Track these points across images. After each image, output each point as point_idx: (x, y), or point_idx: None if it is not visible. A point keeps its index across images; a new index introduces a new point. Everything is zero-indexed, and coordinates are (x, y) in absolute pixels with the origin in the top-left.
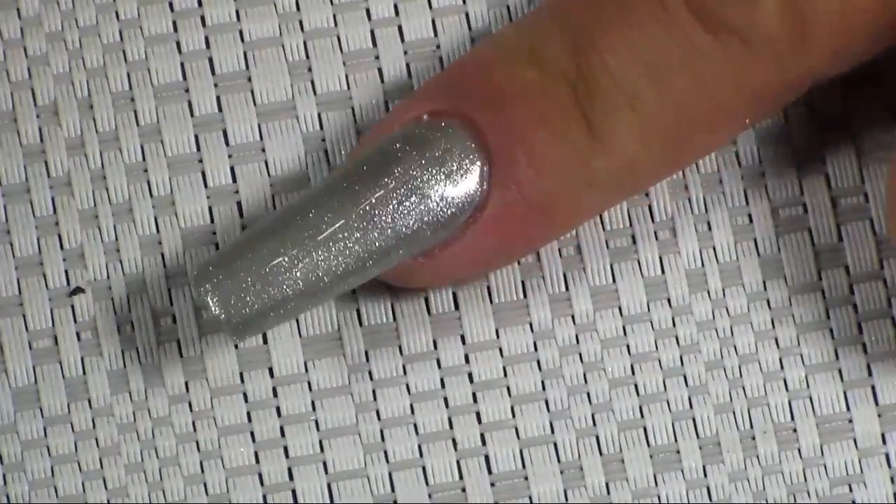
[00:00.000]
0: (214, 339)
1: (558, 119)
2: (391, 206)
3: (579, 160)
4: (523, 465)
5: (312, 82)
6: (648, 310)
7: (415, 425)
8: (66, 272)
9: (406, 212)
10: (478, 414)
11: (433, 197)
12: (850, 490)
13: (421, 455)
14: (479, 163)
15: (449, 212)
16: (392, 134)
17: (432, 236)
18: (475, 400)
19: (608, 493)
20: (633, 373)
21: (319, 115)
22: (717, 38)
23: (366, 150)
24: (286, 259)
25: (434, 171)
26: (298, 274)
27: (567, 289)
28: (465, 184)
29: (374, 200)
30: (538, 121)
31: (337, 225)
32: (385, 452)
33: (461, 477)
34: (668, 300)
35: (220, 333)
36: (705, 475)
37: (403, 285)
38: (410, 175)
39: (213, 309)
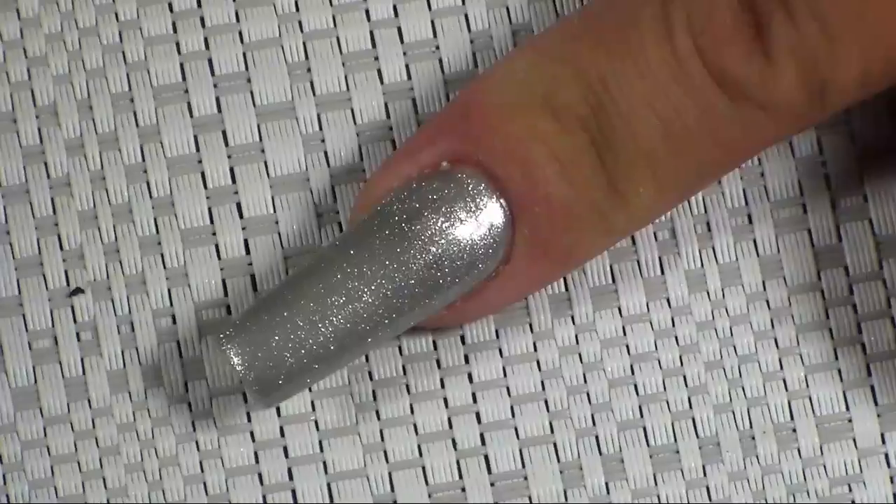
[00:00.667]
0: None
1: (579, 174)
2: (416, 264)
3: (599, 214)
4: (523, 465)
5: (312, 83)
6: (648, 310)
7: (414, 425)
8: (66, 273)
9: (431, 269)
10: (477, 414)
11: (458, 254)
12: (850, 490)
13: (421, 455)
14: (501, 218)
15: (473, 269)
16: (411, 186)
17: (454, 292)
18: (475, 400)
19: (608, 492)
20: (633, 373)
21: (319, 116)
22: (736, 104)
23: (386, 204)
24: (313, 325)
25: (458, 228)
26: (325, 339)
27: (567, 289)
28: (489, 240)
29: (398, 260)
30: (559, 175)
31: (362, 286)
32: (385, 452)
33: (461, 477)
34: (668, 300)
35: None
36: (705, 475)
37: (421, 326)
38: (435, 234)
39: (243, 379)
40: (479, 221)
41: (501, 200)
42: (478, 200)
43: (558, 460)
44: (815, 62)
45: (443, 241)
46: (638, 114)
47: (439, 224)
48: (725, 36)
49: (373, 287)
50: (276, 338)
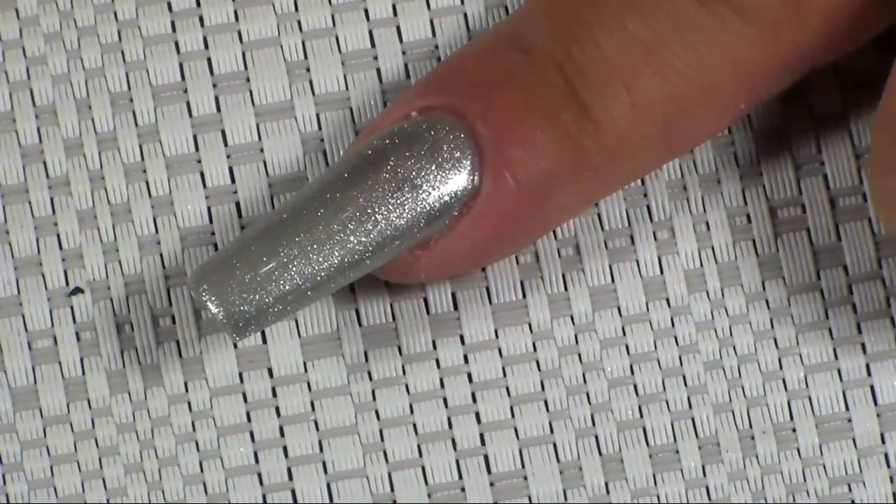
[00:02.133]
0: (214, 339)
1: (547, 101)
2: (385, 200)
3: (570, 141)
4: (522, 465)
5: (311, 82)
6: (647, 310)
7: (414, 425)
8: (65, 272)
9: (400, 204)
10: (477, 414)
11: (426, 188)
12: (850, 490)
13: (420, 455)
14: (469, 152)
15: (442, 202)
16: (382, 132)
17: (427, 227)
18: (474, 400)
19: (607, 492)
20: (632, 373)
21: (318, 116)
22: (710, 9)
23: (357, 148)
24: (283, 256)
25: (425, 163)
26: (296, 271)
27: (566, 289)
28: (456, 173)
29: (368, 195)
30: (526, 105)
31: (332, 221)
32: (384, 452)
33: (460, 477)
34: (667, 300)
35: (220, 333)
36: (704, 475)
37: (402, 280)
38: (402, 168)
39: (212, 309)
40: (446, 154)
41: (469, 134)
42: (444, 135)
43: (558, 460)
44: None
45: (409, 172)
46: (609, 31)
47: (405, 157)
48: None
49: (341, 222)
50: (245, 274)
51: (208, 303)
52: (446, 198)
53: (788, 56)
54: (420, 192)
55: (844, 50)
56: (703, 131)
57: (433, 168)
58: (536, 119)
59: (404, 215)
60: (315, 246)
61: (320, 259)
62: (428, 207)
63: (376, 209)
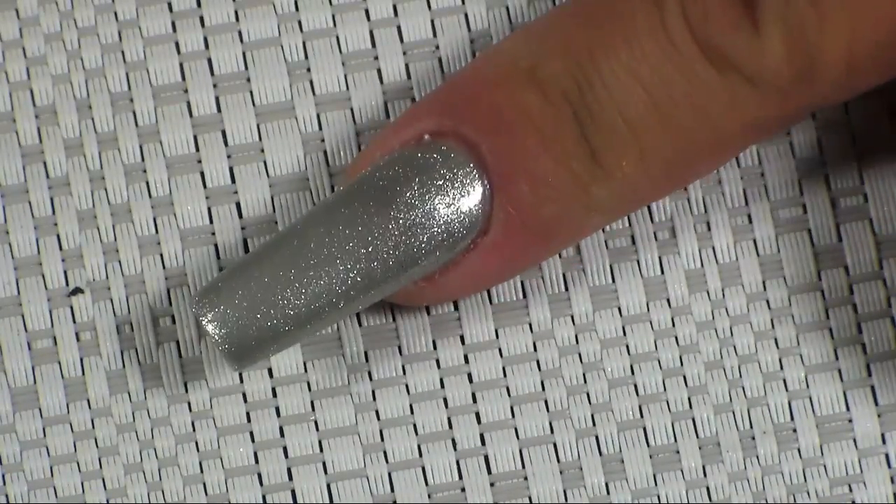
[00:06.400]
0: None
1: (560, 145)
2: (392, 233)
3: (580, 186)
4: (523, 466)
5: (311, 83)
6: (648, 310)
7: (414, 425)
8: (65, 273)
9: (407, 238)
10: (477, 414)
11: (435, 223)
12: (850, 490)
13: (420, 455)
14: (480, 188)
15: (450, 238)
16: (393, 156)
17: (433, 262)
18: (475, 400)
19: (608, 493)
20: (633, 373)
21: (318, 116)
22: (722, 74)
23: (366, 173)
24: (287, 288)
25: (436, 197)
26: (299, 302)
27: (566, 289)
28: (466, 210)
29: (374, 227)
30: (540, 146)
31: (337, 252)
32: (384, 452)
33: (461, 477)
34: (668, 300)
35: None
36: (705, 475)
37: (404, 305)
38: (412, 202)
39: (213, 339)
40: (456, 191)
41: (480, 171)
42: (456, 170)
43: (558, 460)
44: (802, 35)
45: (419, 209)
46: (622, 83)
47: (416, 192)
48: (714, 7)
49: (348, 253)
50: (250, 301)
51: (211, 334)
52: (455, 235)
53: (799, 111)
54: (429, 227)
55: (854, 96)
56: (709, 170)
57: (444, 204)
58: (549, 163)
59: (411, 250)
60: (318, 279)
61: (322, 292)
62: (436, 243)
63: (383, 242)
